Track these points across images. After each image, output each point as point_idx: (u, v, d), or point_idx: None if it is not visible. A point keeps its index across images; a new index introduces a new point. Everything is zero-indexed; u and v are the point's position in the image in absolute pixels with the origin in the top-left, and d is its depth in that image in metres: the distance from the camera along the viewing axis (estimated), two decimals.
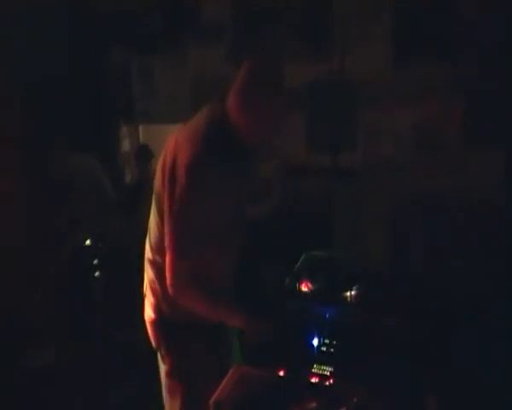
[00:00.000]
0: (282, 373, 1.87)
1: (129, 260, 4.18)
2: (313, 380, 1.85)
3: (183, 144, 1.89)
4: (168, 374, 2.12)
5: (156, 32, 4.09)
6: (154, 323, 2.12)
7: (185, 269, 1.86)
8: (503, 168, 3.21)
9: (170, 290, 1.90)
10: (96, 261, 3.98)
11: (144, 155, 4.66)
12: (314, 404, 1.72)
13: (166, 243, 1.89)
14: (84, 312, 3.70)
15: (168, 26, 4.05)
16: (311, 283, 2.26)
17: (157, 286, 2.06)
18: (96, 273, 3.99)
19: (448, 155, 3.40)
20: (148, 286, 2.13)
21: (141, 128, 5.18)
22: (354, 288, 2.17)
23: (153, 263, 2.07)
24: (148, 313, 2.14)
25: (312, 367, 1.90)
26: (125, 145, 4.94)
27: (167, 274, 1.88)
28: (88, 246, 3.93)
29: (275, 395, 1.73)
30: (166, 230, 1.89)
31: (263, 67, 1.92)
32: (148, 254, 2.12)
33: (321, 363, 1.91)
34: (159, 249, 2.00)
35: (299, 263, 2.44)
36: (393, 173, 3.49)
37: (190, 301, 1.93)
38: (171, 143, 1.98)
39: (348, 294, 2.17)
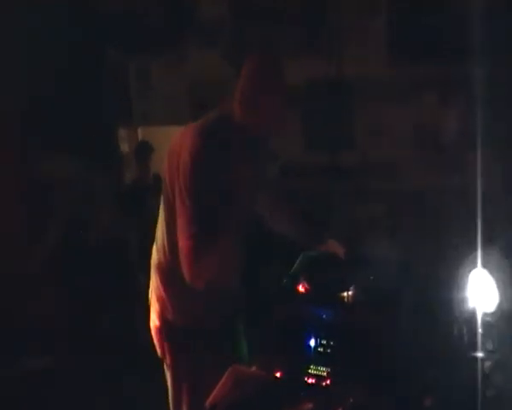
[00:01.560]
0: (278, 374, 1.87)
1: (127, 260, 4.21)
2: (310, 381, 1.84)
3: (188, 136, 1.92)
4: (174, 380, 2.14)
5: (154, 33, 4.09)
6: (159, 330, 2.14)
7: (199, 250, 1.83)
8: (503, 168, 3.21)
9: (187, 273, 1.87)
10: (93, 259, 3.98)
11: (144, 150, 4.65)
12: (310, 405, 1.71)
13: (179, 229, 1.88)
14: (82, 314, 3.70)
15: (166, 28, 4.05)
16: (309, 283, 2.25)
17: (161, 292, 2.08)
18: (95, 273, 3.99)
19: (446, 154, 3.40)
20: (153, 293, 2.15)
21: (139, 131, 5.19)
22: (351, 288, 2.16)
23: (158, 267, 2.10)
24: (154, 321, 2.16)
25: (309, 368, 1.89)
26: (124, 148, 4.94)
27: (183, 259, 1.86)
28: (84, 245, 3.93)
29: (271, 397, 1.72)
30: (179, 214, 1.88)
31: (263, 66, 1.97)
32: (154, 259, 2.14)
33: (317, 364, 1.91)
34: (164, 250, 2.03)
35: (296, 264, 2.43)
36: (392, 172, 3.49)
37: (209, 273, 1.90)
38: (178, 138, 2.00)
39: (345, 294, 2.16)
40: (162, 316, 2.11)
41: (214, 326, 2.07)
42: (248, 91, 1.93)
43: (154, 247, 2.15)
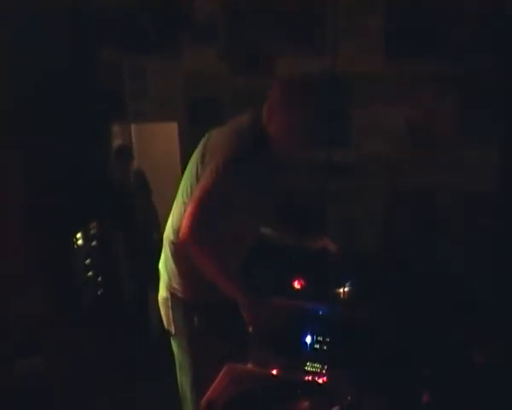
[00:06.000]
0: (274, 372, 1.86)
1: (123, 259, 4.18)
2: (306, 378, 1.83)
3: (225, 140, 2.05)
4: (179, 350, 2.26)
5: (149, 31, 4.06)
6: (166, 302, 2.25)
7: (203, 221, 1.92)
8: (497, 164, 3.21)
9: (183, 237, 1.95)
10: (88, 261, 3.95)
11: (124, 154, 4.60)
12: (307, 403, 1.71)
13: (193, 197, 1.98)
14: (74, 315, 3.65)
15: (161, 26, 4.03)
16: (304, 280, 2.25)
17: (171, 264, 2.19)
18: (89, 273, 3.97)
19: (442, 151, 3.39)
20: (164, 264, 2.27)
21: (133, 127, 5.15)
22: (347, 284, 2.16)
23: (172, 243, 2.18)
24: (161, 293, 2.29)
25: (305, 365, 1.89)
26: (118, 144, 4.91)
27: (185, 222, 1.94)
28: (80, 246, 3.89)
29: (267, 394, 1.71)
30: (196, 189, 2.00)
31: (294, 90, 2.06)
32: (169, 234, 2.21)
33: (314, 361, 1.90)
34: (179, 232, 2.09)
35: (292, 260, 2.43)
36: (388, 169, 3.49)
37: (199, 254, 1.97)
38: (211, 138, 2.16)
39: (341, 290, 2.16)
40: (169, 287, 2.22)
41: (215, 300, 2.11)
42: (281, 112, 2.03)
43: (170, 223, 2.23)
